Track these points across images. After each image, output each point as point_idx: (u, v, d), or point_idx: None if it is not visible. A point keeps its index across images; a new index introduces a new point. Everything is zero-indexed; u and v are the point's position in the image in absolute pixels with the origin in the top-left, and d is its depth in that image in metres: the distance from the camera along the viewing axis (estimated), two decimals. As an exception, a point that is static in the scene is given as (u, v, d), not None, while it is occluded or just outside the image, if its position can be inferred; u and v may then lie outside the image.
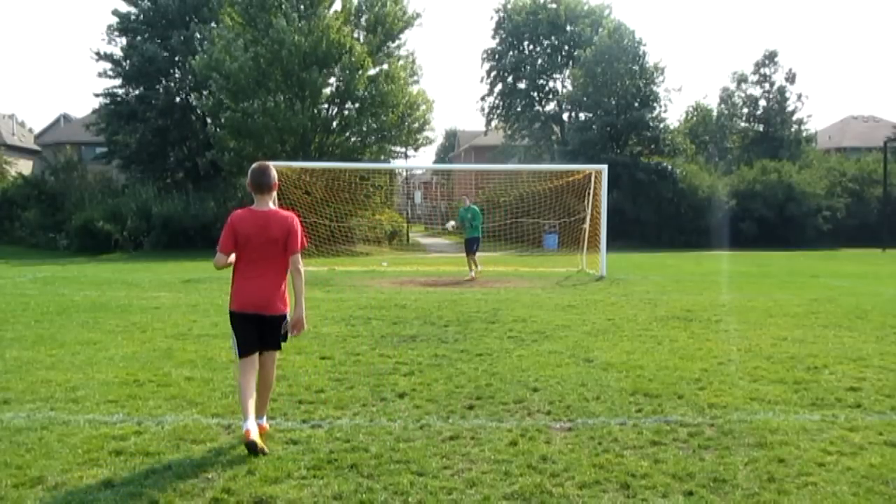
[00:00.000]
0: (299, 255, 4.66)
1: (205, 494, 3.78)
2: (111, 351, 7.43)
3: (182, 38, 31.62)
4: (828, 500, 3.73)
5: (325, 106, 29.24)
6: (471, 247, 16.32)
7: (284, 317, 4.71)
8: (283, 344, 4.83)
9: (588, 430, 4.86)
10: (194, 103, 31.06)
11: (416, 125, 30.66)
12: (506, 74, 43.84)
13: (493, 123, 45.70)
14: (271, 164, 4.86)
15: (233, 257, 4.66)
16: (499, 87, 44.30)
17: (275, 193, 4.78)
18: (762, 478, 4.02)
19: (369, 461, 4.24)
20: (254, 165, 4.79)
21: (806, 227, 33.00)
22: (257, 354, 4.71)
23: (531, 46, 43.44)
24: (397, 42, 30.73)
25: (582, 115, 37.25)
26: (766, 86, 40.31)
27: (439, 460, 4.27)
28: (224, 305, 10.99)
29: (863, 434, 4.77)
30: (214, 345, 7.75)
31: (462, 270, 17.00)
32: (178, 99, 33.59)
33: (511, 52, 43.58)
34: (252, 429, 4.36)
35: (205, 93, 27.99)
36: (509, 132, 44.34)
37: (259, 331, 4.68)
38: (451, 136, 73.12)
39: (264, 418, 4.76)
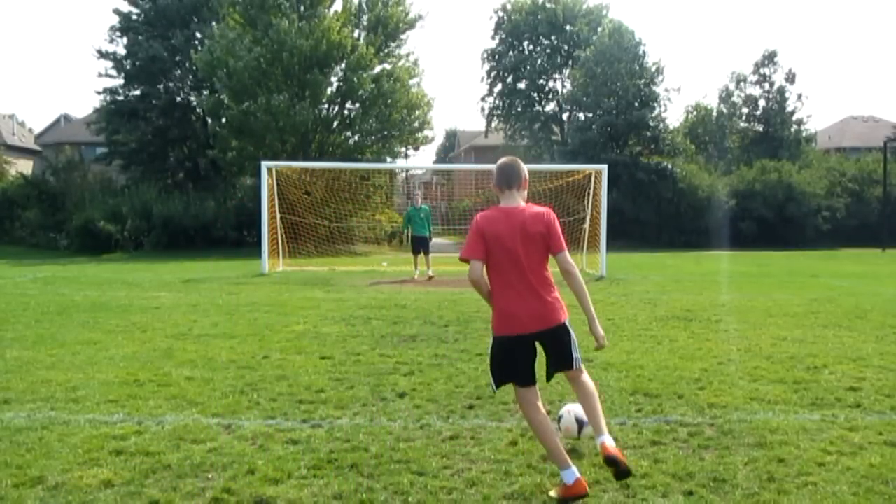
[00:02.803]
0: (567, 254, 3.96)
1: (205, 494, 3.78)
2: (111, 351, 7.43)
3: (184, 37, 31.64)
4: (828, 500, 3.73)
5: (326, 105, 29.25)
6: (426, 246, 16.24)
7: (566, 326, 3.96)
8: (579, 361, 3.97)
9: (588, 429, 4.85)
10: (195, 103, 31.08)
11: (416, 124, 30.70)
12: (506, 75, 43.86)
13: (494, 124, 45.73)
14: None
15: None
16: (499, 87, 44.34)
17: (525, 192, 4.09)
18: (762, 478, 4.02)
19: (369, 461, 4.24)
20: (502, 159, 4.15)
21: (806, 227, 32.99)
22: (535, 386, 4.01)
23: (531, 46, 43.47)
24: (398, 42, 30.76)
25: (582, 115, 37.23)
26: (766, 86, 40.27)
27: (439, 460, 4.27)
28: (225, 305, 11.08)
29: (863, 434, 4.77)
30: (214, 345, 7.75)
31: (404, 271, 16.66)
32: (178, 98, 33.61)
33: (511, 53, 43.61)
34: (575, 480, 3.75)
35: (205, 92, 28.00)
36: (509, 132, 44.35)
37: (539, 351, 4.00)
38: (451, 136, 73.07)
39: (604, 435, 3.79)
